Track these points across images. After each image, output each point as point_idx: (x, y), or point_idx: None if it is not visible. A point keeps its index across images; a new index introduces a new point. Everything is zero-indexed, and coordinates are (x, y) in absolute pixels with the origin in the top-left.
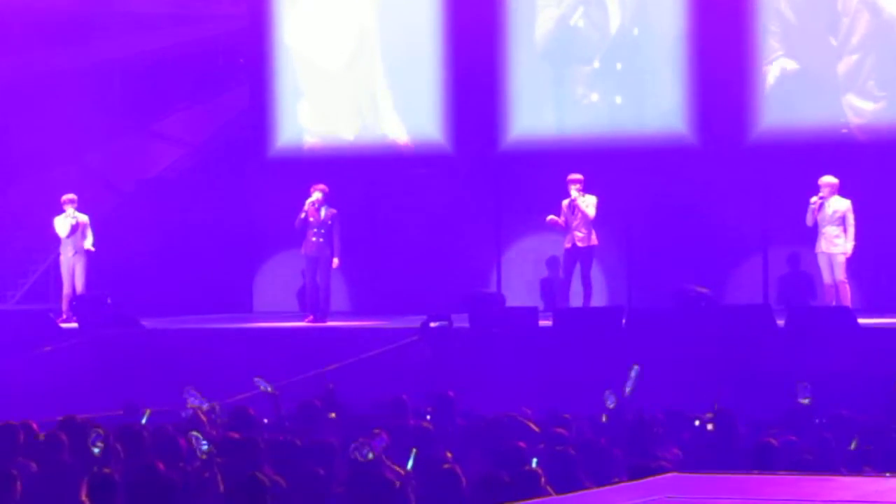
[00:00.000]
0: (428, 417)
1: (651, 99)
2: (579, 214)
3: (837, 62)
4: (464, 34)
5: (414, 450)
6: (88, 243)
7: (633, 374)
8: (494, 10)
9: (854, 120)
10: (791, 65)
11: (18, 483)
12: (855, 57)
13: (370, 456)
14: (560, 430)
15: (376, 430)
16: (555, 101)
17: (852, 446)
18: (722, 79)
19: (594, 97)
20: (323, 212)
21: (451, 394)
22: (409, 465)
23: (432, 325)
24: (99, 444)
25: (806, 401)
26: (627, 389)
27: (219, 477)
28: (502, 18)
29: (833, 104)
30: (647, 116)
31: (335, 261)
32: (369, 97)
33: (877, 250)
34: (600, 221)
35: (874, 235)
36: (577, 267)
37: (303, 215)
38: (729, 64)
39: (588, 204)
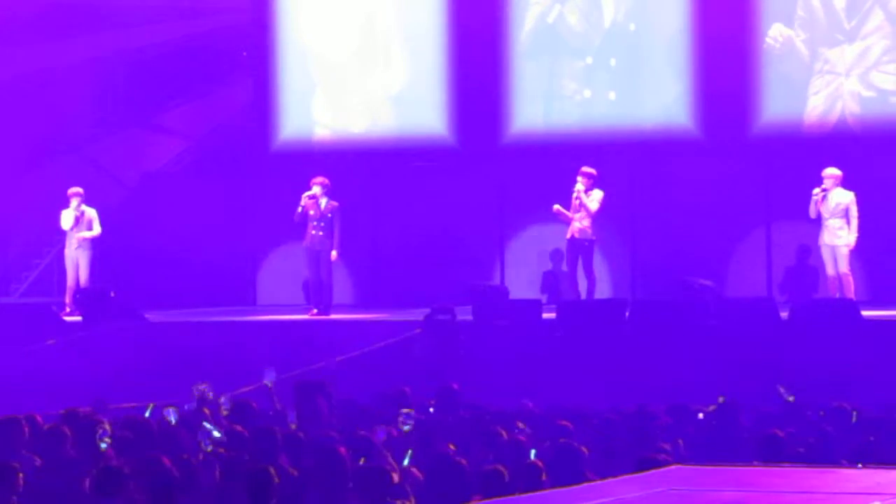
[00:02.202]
0: (431, 410)
1: (653, 91)
2: (582, 208)
3: (847, 47)
4: (468, 28)
5: (409, 451)
6: (90, 234)
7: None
8: (498, 4)
9: (852, 109)
10: (802, 47)
11: (20, 476)
12: (865, 43)
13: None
14: (563, 422)
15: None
16: (559, 95)
17: (853, 419)
18: (724, 70)
19: (588, 93)
20: (323, 204)
21: (454, 386)
22: (406, 461)
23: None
24: (106, 439)
25: (791, 398)
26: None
27: (221, 469)
28: (506, 13)
29: (839, 93)
30: (650, 109)
31: (334, 253)
32: (373, 90)
33: (881, 242)
34: (605, 214)
35: (879, 227)
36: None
37: (300, 209)
38: (731, 55)
39: (593, 199)
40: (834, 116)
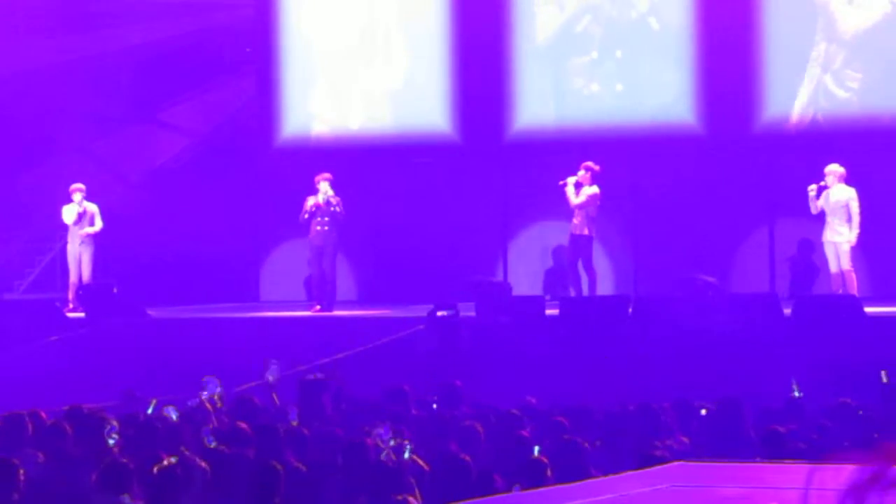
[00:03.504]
0: (434, 406)
1: (656, 88)
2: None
3: (827, 45)
4: (471, 23)
5: (409, 446)
6: (93, 230)
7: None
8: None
9: (823, 105)
10: (803, 42)
11: (21, 473)
12: (837, 43)
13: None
14: (566, 419)
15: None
16: (560, 91)
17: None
18: (728, 65)
19: (596, 87)
20: (325, 199)
21: (457, 383)
22: (406, 454)
23: (439, 314)
24: (114, 435)
25: (798, 393)
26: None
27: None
28: (508, 8)
29: (817, 89)
30: (653, 105)
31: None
32: (377, 86)
33: (885, 239)
34: (608, 210)
35: (883, 224)
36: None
37: (310, 208)
38: (734, 50)
39: (581, 193)
40: (810, 112)
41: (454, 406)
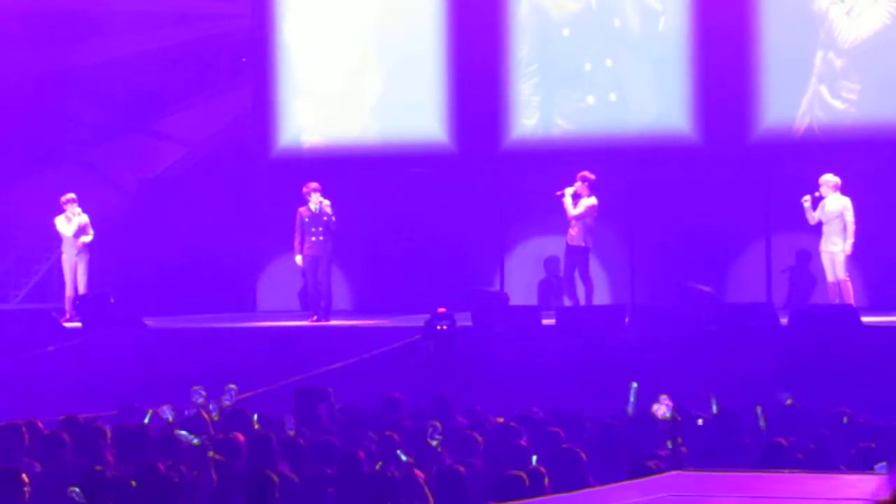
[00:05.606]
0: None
1: (652, 97)
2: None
3: (823, 52)
4: (467, 32)
5: (399, 451)
6: (89, 238)
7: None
8: (497, 8)
9: (819, 115)
10: (801, 50)
11: (26, 485)
12: (834, 52)
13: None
14: (563, 428)
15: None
16: (555, 101)
17: (844, 420)
18: (724, 76)
19: (591, 99)
20: (315, 206)
21: (446, 395)
22: (403, 457)
23: (438, 327)
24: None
25: (789, 401)
26: (630, 409)
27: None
28: (503, 18)
29: (813, 98)
30: (649, 114)
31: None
32: (372, 96)
33: (881, 249)
34: (605, 219)
35: (880, 234)
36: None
37: (306, 219)
38: (731, 60)
39: (580, 204)
40: (806, 122)
41: (450, 416)
